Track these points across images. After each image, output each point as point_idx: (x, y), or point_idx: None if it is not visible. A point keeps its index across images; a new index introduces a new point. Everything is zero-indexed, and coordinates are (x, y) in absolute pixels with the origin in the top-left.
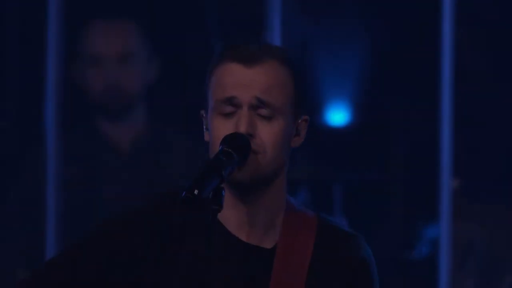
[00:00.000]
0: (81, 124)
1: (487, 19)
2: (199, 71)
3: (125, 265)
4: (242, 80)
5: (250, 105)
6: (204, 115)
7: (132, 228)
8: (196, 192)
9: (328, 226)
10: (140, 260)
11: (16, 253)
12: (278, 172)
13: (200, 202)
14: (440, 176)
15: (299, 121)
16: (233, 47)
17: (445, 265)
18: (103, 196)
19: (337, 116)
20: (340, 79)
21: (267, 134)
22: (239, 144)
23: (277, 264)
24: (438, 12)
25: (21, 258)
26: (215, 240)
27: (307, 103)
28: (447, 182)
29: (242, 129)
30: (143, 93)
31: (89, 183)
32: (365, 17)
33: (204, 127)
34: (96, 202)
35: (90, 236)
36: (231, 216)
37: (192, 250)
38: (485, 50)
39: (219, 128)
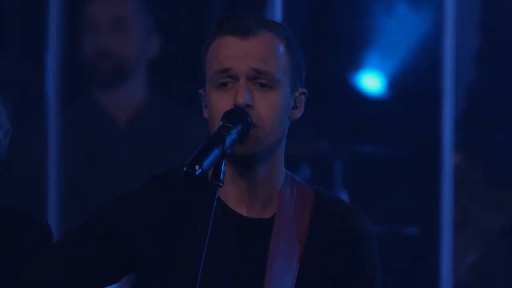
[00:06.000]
0: (81, 97)
1: None
2: (200, 46)
3: (126, 243)
4: (237, 52)
5: (247, 76)
6: (202, 93)
7: (133, 206)
8: (197, 167)
9: (325, 199)
10: (141, 237)
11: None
12: (277, 145)
13: (201, 177)
14: (442, 150)
15: (297, 93)
16: (228, 21)
17: (446, 240)
18: (103, 170)
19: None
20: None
21: (265, 105)
22: (239, 118)
23: (275, 232)
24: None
25: None
26: (215, 215)
27: (303, 76)
28: (449, 157)
29: (240, 100)
30: (141, 65)
31: (89, 156)
32: None
33: (203, 104)
34: (95, 176)
35: (90, 217)
36: (229, 190)
37: (193, 225)
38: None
39: (217, 102)
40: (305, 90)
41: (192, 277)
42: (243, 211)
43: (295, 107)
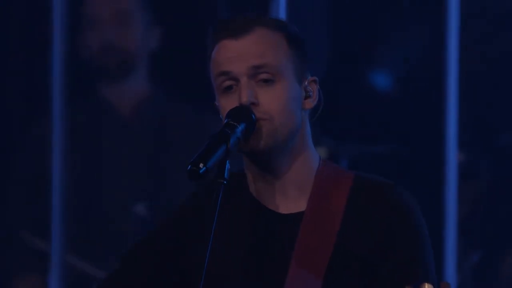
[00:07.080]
0: (85, 93)
1: None
2: (203, 40)
3: (182, 259)
4: (234, 53)
5: (247, 75)
6: (216, 104)
7: (182, 223)
8: (201, 165)
9: (364, 181)
10: (195, 250)
11: (22, 220)
12: (291, 136)
13: (205, 175)
14: (446, 148)
15: (306, 82)
16: (222, 25)
17: (451, 237)
18: (107, 164)
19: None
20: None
21: (270, 99)
22: (243, 116)
23: (304, 227)
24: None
25: (27, 225)
26: (249, 213)
27: (309, 64)
28: (453, 155)
29: (243, 99)
30: (143, 58)
31: (93, 151)
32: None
33: (220, 115)
34: (100, 171)
35: (144, 243)
36: (261, 187)
37: (228, 227)
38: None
39: (225, 106)
40: (315, 78)
41: (222, 277)
42: (276, 207)
43: (307, 96)
